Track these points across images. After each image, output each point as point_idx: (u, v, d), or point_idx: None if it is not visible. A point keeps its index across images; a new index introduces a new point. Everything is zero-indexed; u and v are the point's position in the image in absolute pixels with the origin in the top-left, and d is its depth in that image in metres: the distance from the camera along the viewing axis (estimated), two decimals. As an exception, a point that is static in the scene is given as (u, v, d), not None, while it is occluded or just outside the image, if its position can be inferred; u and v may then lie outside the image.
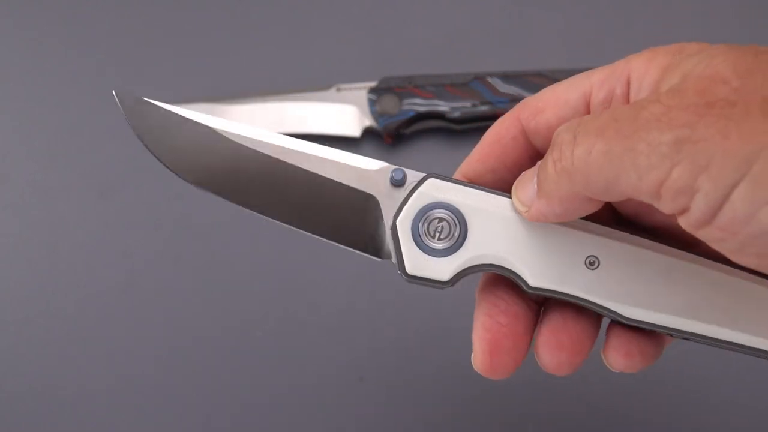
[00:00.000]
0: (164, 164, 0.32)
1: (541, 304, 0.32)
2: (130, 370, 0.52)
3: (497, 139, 0.32)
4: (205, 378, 0.52)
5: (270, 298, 0.53)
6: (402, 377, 0.52)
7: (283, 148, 0.31)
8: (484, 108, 0.55)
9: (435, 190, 0.31)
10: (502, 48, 0.59)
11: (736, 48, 0.25)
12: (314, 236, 0.31)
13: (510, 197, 0.30)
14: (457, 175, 0.33)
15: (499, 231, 0.30)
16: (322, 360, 0.52)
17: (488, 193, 0.31)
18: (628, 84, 0.28)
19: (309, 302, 0.53)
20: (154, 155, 0.33)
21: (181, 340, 0.53)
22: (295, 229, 0.31)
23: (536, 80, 0.55)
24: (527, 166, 0.31)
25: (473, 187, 0.31)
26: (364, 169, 0.32)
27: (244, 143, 0.31)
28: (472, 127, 0.56)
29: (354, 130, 0.56)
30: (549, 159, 0.27)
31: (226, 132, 0.32)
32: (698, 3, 0.59)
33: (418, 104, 0.55)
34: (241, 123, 0.32)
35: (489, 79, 0.55)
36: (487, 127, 0.57)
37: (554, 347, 0.31)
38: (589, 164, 0.25)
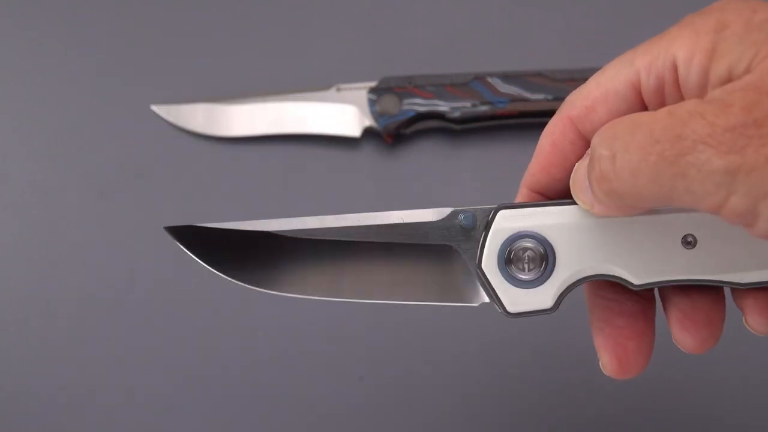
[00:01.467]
0: (239, 282, 0.33)
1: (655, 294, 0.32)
2: (130, 371, 0.52)
3: (554, 147, 0.31)
4: (204, 377, 0.52)
5: (271, 298, 0.53)
6: (402, 377, 0.52)
7: (349, 227, 0.31)
8: (484, 108, 0.55)
9: (508, 221, 0.30)
10: (502, 48, 0.59)
11: None
12: (407, 303, 0.31)
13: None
14: (522, 190, 0.32)
15: (586, 241, 0.29)
16: (322, 360, 0.52)
17: (562, 206, 0.30)
18: (676, 69, 0.27)
19: (309, 302, 0.53)
20: (227, 277, 0.33)
21: (181, 339, 0.53)
22: (388, 302, 0.32)
23: (536, 80, 0.55)
24: None
25: (545, 205, 0.30)
26: (431, 222, 0.31)
27: (304, 236, 0.31)
28: (472, 127, 0.56)
29: (354, 130, 0.56)
30: (592, 176, 0.26)
31: (290, 231, 0.31)
32: (698, 3, 0.59)
33: (418, 104, 0.55)
34: (290, 218, 0.32)
35: (489, 79, 0.55)
36: (487, 128, 0.58)
37: (692, 329, 0.30)
38: (636, 187, 0.24)
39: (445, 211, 0.31)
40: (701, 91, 0.26)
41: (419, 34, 0.59)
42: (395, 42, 0.59)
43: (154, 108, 0.57)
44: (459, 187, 0.56)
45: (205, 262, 0.33)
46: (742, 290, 0.30)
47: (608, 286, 0.31)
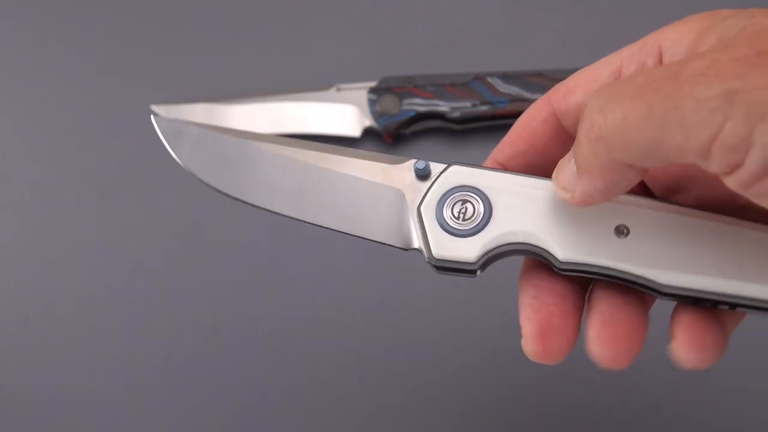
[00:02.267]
0: (202, 181, 0.34)
1: (585, 290, 0.31)
2: (130, 371, 0.52)
3: (527, 123, 0.31)
4: (205, 377, 0.52)
5: (270, 298, 0.53)
6: (402, 377, 0.52)
7: (318, 154, 0.33)
8: (484, 108, 0.55)
9: (458, 175, 0.31)
10: (502, 48, 0.59)
11: None
12: (346, 233, 0.32)
13: (535, 177, 0.30)
14: (488, 160, 0.33)
15: (524, 208, 0.30)
16: (321, 360, 0.52)
17: (512, 175, 0.31)
18: (660, 54, 0.27)
19: (309, 302, 0.53)
20: (193, 173, 0.34)
21: (181, 339, 0.53)
22: (327, 228, 0.32)
23: (536, 80, 0.55)
24: (558, 149, 0.31)
25: (497, 171, 0.31)
26: (390, 166, 0.32)
27: (279, 152, 0.33)
28: (472, 127, 0.56)
29: (354, 130, 0.56)
30: (581, 132, 0.26)
31: (262, 144, 0.33)
32: (699, 3, 0.59)
33: (418, 104, 0.55)
34: (268, 135, 0.34)
35: (489, 79, 0.55)
36: (487, 128, 0.58)
37: (609, 339, 0.28)
38: (626, 128, 0.24)
39: (404, 159, 0.32)
40: None
41: (419, 34, 0.59)
42: (395, 42, 0.59)
43: (154, 108, 0.57)
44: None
45: (181, 159, 0.34)
46: (675, 314, 0.29)
47: (543, 269, 0.31)
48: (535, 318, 0.30)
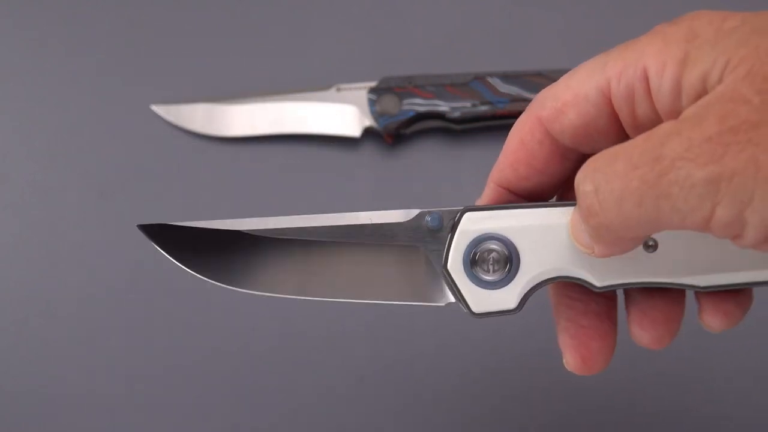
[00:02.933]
0: (218, 282, 0.33)
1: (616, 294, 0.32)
2: (130, 371, 0.52)
3: (522, 145, 0.31)
4: (204, 377, 0.52)
5: (270, 298, 0.53)
6: (402, 377, 0.52)
7: (317, 227, 0.31)
8: (484, 108, 0.55)
9: (473, 223, 0.30)
10: (502, 48, 0.59)
11: (753, 40, 0.24)
12: (372, 302, 0.32)
13: (550, 206, 0.30)
14: (489, 185, 0.33)
15: (549, 244, 0.30)
16: (322, 360, 0.52)
17: (526, 209, 0.30)
18: (647, 79, 0.27)
19: (309, 303, 0.53)
20: (200, 275, 0.33)
21: (182, 340, 0.53)
22: (352, 301, 0.32)
23: (536, 80, 0.55)
24: (558, 167, 0.31)
25: (510, 208, 0.31)
26: (398, 223, 0.31)
27: (274, 236, 0.32)
28: (472, 127, 0.56)
29: (354, 130, 0.56)
30: (581, 213, 0.26)
31: (257, 230, 0.32)
32: (699, 3, 0.59)
33: (418, 104, 0.55)
34: (263, 218, 0.32)
35: (489, 79, 0.55)
36: (487, 128, 0.58)
37: (649, 326, 0.30)
38: (622, 216, 0.25)
39: (413, 213, 0.31)
40: (674, 101, 0.26)
41: (419, 34, 0.59)
42: (395, 42, 0.59)
43: (154, 108, 0.57)
44: (459, 187, 0.56)
45: (178, 261, 0.33)
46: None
47: (573, 287, 0.32)
48: (572, 345, 0.31)
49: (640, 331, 0.31)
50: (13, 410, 0.52)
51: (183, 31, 0.60)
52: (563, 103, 0.29)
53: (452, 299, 0.31)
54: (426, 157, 0.56)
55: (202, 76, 0.58)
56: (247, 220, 0.32)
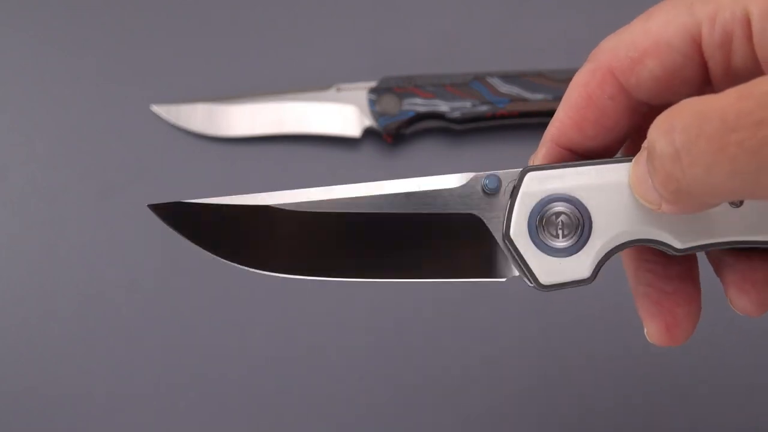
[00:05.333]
0: (242, 266, 0.29)
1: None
2: (130, 371, 0.52)
3: (590, 101, 0.27)
4: (204, 376, 0.52)
5: (270, 298, 0.53)
6: (402, 377, 0.52)
7: (348, 198, 0.27)
8: (484, 108, 0.55)
9: (538, 183, 0.27)
10: (502, 48, 0.59)
11: None
12: (426, 281, 0.28)
13: (620, 162, 0.27)
14: (548, 144, 0.29)
15: (624, 203, 0.26)
16: (322, 360, 0.52)
17: (596, 166, 0.27)
18: (749, 23, 0.24)
19: (309, 302, 0.53)
20: (219, 256, 0.29)
21: (181, 340, 0.53)
22: (401, 280, 0.28)
23: (536, 80, 0.55)
24: (626, 122, 0.28)
25: (578, 165, 0.27)
26: (451, 188, 0.28)
27: (307, 209, 0.28)
28: (472, 127, 0.56)
29: (354, 130, 0.56)
30: (655, 178, 0.23)
31: (284, 205, 0.28)
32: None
33: (418, 104, 0.55)
34: (287, 192, 0.28)
35: (489, 79, 0.55)
36: (487, 128, 0.58)
37: (751, 291, 0.27)
38: (711, 185, 0.22)
39: (467, 176, 0.28)
40: None
41: (419, 34, 0.59)
42: (395, 42, 0.59)
43: (154, 108, 0.57)
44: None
45: (197, 244, 0.29)
46: (725, 271, 0.28)
47: (650, 249, 0.28)
48: (657, 312, 0.28)
49: (741, 295, 0.27)
50: (13, 410, 0.52)
51: (183, 31, 0.60)
52: (642, 52, 0.26)
53: (514, 273, 0.28)
54: (426, 157, 0.56)
55: (202, 76, 0.58)
56: (273, 194, 0.28)
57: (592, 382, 0.51)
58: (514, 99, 0.55)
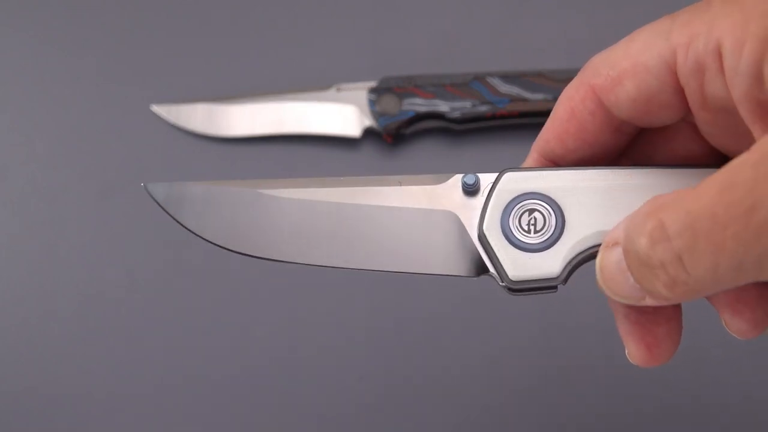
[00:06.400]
0: (219, 246, 0.29)
1: None
2: (130, 370, 0.52)
3: (572, 115, 0.28)
4: (204, 377, 0.52)
5: (270, 297, 0.53)
6: (402, 377, 0.52)
7: (346, 189, 0.29)
8: (484, 108, 0.55)
9: (515, 182, 0.28)
10: (502, 48, 0.59)
11: None
12: (399, 272, 0.29)
13: (597, 169, 0.27)
14: (533, 155, 0.30)
15: (597, 205, 0.27)
16: (322, 360, 0.52)
17: (573, 171, 0.27)
18: (720, 56, 0.23)
19: (309, 302, 0.53)
20: (204, 239, 0.29)
21: (181, 340, 0.53)
22: (377, 271, 0.29)
23: (536, 80, 0.55)
24: (610, 140, 0.28)
25: (555, 169, 0.28)
26: (431, 186, 0.29)
27: (300, 197, 0.29)
28: (472, 127, 0.56)
29: (354, 130, 0.56)
30: (657, 283, 0.23)
31: (276, 192, 0.29)
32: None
33: (418, 104, 0.55)
34: (280, 179, 0.29)
35: (489, 79, 0.55)
36: (487, 128, 0.58)
37: (745, 312, 0.27)
38: (718, 280, 0.22)
39: (447, 176, 0.29)
40: (753, 86, 0.23)
41: (419, 34, 0.59)
42: (395, 42, 0.59)
43: (154, 108, 0.57)
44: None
45: (189, 226, 0.30)
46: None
47: None
48: (636, 332, 0.28)
49: (735, 316, 0.27)
50: (13, 410, 0.52)
51: (183, 31, 0.60)
52: (620, 72, 0.26)
53: (486, 271, 0.28)
54: (426, 157, 0.56)
55: (202, 76, 0.58)
56: (268, 180, 0.29)
57: (591, 383, 0.51)
58: (514, 99, 0.55)
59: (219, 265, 0.54)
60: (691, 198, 0.22)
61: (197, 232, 0.29)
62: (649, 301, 0.25)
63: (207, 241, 0.29)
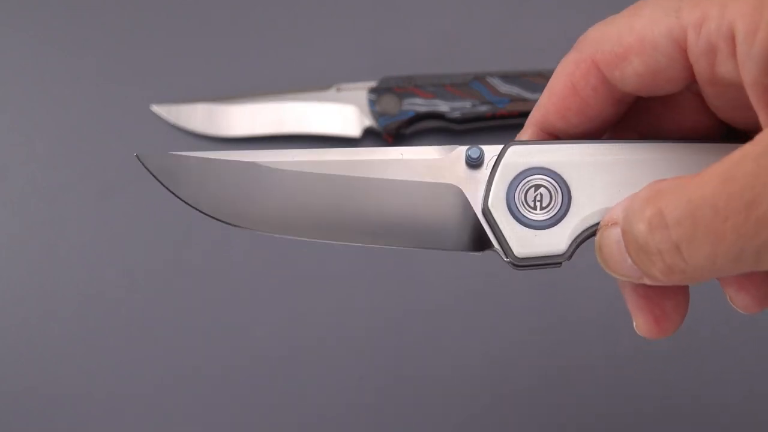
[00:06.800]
0: (214, 218, 0.29)
1: None
2: (130, 370, 0.52)
3: (574, 90, 0.28)
4: (205, 376, 0.52)
5: (270, 297, 0.53)
6: (402, 377, 0.52)
7: (346, 161, 0.28)
8: (484, 108, 0.55)
9: (520, 156, 0.27)
10: (502, 48, 0.59)
11: None
12: (401, 248, 0.28)
13: (602, 143, 0.27)
14: (531, 128, 0.29)
15: (604, 180, 0.26)
16: (322, 360, 0.52)
17: (578, 145, 0.27)
18: (733, 40, 0.23)
19: (309, 302, 0.53)
20: (200, 210, 0.29)
21: (181, 340, 0.53)
22: (378, 246, 0.28)
23: (536, 80, 0.55)
24: (611, 111, 0.28)
25: (560, 143, 0.27)
26: (434, 159, 0.28)
27: (299, 169, 0.28)
28: (472, 127, 0.56)
29: (354, 130, 0.56)
30: (653, 269, 0.24)
31: (273, 162, 0.28)
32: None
33: (418, 104, 0.55)
34: (279, 150, 0.29)
35: (489, 79, 0.55)
36: (487, 128, 0.58)
37: (750, 287, 0.27)
38: (715, 269, 0.22)
39: (451, 148, 0.28)
40: (764, 71, 0.23)
41: (419, 34, 0.59)
42: (395, 42, 0.59)
43: (154, 108, 0.57)
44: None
45: (184, 198, 0.29)
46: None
47: None
48: (645, 306, 0.28)
49: (740, 292, 0.27)
50: (13, 410, 0.52)
51: (183, 31, 0.60)
52: (627, 48, 0.26)
53: (489, 246, 0.27)
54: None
55: (202, 76, 0.58)
56: (263, 151, 0.29)
57: (591, 383, 0.51)
58: (514, 99, 0.55)
59: (219, 265, 0.54)
60: (692, 187, 0.22)
61: (192, 204, 0.29)
62: (647, 281, 0.25)
63: (203, 213, 0.29)
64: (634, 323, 0.28)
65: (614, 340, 0.51)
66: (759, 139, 0.21)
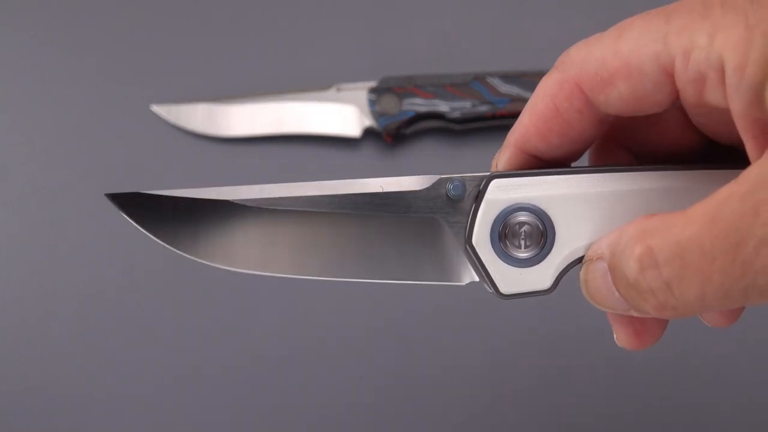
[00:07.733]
0: (193, 259, 0.28)
1: None
2: (130, 370, 0.52)
3: (556, 112, 0.27)
4: (205, 376, 0.52)
5: (270, 297, 0.53)
6: (402, 377, 0.52)
7: (315, 197, 0.27)
8: (484, 108, 0.55)
9: (503, 191, 0.27)
10: (502, 48, 0.59)
11: None
12: (385, 282, 0.28)
13: (584, 173, 0.27)
14: (512, 149, 0.28)
15: (588, 215, 0.26)
16: (322, 360, 0.52)
17: (563, 176, 0.27)
18: (723, 72, 0.23)
19: (309, 302, 0.53)
20: (180, 253, 0.28)
21: (181, 340, 0.53)
22: (362, 280, 0.28)
23: (536, 80, 0.55)
24: (593, 132, 0.28)
25: (543, 174, 0.27)
26: (414, 191, 0.27)
27: (274, 206, 0.27)
28: (472, 127, 0.56)
29: (354, 130, 0.56)
30: (645, 305, 0.24)
31: (245, 201, 0.27)
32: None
33: (418, 104, 0.55)
34: (254, 186, 0.28)
35: (489, 79, 0.55)
36: (487, 128, 0.58)
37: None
38: (705, 306, 0.22)
39: (431, 179, 0.27)
40: (754, 107, 0.23)
41: (419, 34, 0.59)
42: (395, 42, 0.59)
43: (154, 108, 0.57)
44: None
45: (155, 235, 0.28)
46: None
47: None
48: (623, 319, 0.28)
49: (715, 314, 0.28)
50: (13, 410, 0.52)
51: (183, 31, 0.60)
52: (612, 72, 0.25)
53: (475, 278, 0.28)
54: (426, 157, 0.56)
55: (202, 76, 0.58)
56: (237, 188, 0.28)
57: (591, 383, 0.51)
58: (514, 99, 0.55)
59: (217, 264, 0.54)
60: (680, 226, 0.22)
61: (168, 245, 0.29)
62: (634, 314, 0.25)
63: (178, 253, 0.28)
64: (615, 336, 0.29)
65: (613, 342, 0.51)
66: (744, 177, 0.21)
